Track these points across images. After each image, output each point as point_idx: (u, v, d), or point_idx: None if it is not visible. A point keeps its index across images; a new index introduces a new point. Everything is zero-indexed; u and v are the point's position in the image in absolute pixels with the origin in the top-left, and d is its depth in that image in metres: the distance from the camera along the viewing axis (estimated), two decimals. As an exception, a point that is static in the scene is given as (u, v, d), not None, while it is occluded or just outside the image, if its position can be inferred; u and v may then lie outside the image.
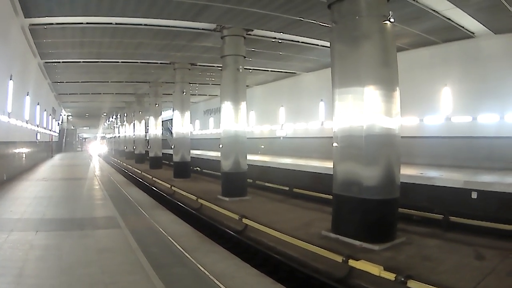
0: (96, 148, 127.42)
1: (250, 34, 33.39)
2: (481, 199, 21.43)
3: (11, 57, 30.19)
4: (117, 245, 12.82)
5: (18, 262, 10.73)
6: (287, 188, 33.12)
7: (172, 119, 53.98)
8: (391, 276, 12.73)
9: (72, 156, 72.36)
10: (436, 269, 14.91)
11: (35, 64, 42.33)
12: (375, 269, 13.39)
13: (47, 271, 10.20)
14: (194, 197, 29.36)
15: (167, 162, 62.65)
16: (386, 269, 13.20)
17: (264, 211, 25.40)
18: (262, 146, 53.75)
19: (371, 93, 18.49)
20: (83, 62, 43.41)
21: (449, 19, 26.76)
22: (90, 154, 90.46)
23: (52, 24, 29.58)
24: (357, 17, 19.00)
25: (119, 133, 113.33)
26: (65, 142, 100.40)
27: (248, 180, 33.89)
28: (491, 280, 13.53)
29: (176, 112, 48.83)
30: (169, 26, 30.91)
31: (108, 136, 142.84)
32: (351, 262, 14.34)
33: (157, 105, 63.15)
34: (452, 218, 20.72)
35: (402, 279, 12.43)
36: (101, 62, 43.54)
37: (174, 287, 9.70)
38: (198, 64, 46.31)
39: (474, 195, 21.75)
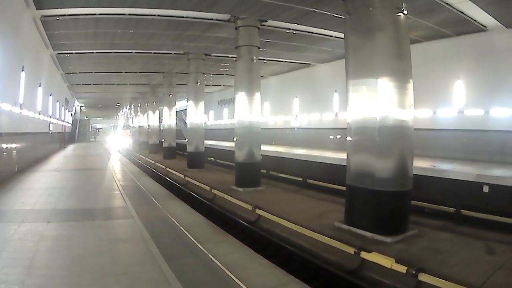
0: (112, 139, 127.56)
1: (264, 25, 33.35)
2: (492, 193, 21.33)
3: (23, 48, 30.25)
4: (129, 236, 12.83)
5: (28, 253, 10.74)
6: (300, 179, 33.19)
7: (186, 109, 53.93)
8: (402, 269, 12.70)
9: (85, 147, 72.48)
10: (447, 262, 14.86)
11: (47, 56, 42.53)
12: (386, 262, 13.36)
13: (57, 262, 10.20)
14: (207, 188, 29.51)
15: (181, 152, 63.00)
16: (398, 261, 13.19)
17: (277, 201, 25.42)
18: (273, 143, 53.55)
19: (385, 85, 18.46)
20: (97, 53, 43.47)
21: (462, 12, 26.60)
22: (105, 145, 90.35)
23: (64, 15, 29.62)
24: (370, 9, 18.94)
25: (132, 123, 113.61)
26: (78, 133, 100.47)
27: (262, 170, 33.99)
28: (501, 274, 13.50)
29: (190, 103, 49.11)
30: (182, 17, 30.87)
31: (122, 126, 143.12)
32: (363, 254, 14.32)
33: (171, 96, 63.36)
34: (464, 212, 20.65)
35: (414, 272, 12.41)
36: (115, 52, 43.58)
37: (185, 278, 9.72)
38: (212, 54, 46.39)
39: (485, 189, 21.66)
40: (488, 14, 26.61)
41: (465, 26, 29.23)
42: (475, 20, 28.17)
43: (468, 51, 31.55)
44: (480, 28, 29.42)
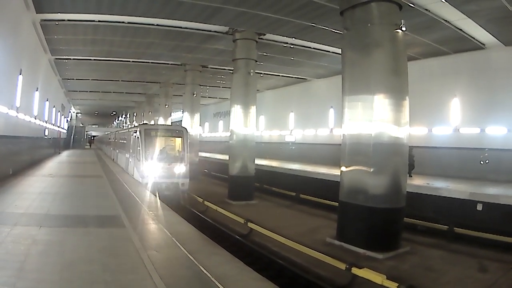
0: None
1: (262, 38, 33.56)
2: (486, 211, 21.39)
3: (21, 51, 30.16)
4: (120, 244, 12.80)
5: (20, 256, 10.69)
6: (294, 194, 33.44)
7: (181, 120, 54.73)
8: (393, 285, 12.71)
9: (80, 153, 72.17)
10: (439, 280, 14.91)
11: (45, 60, 42.57)
12: (377, 278, 13.36)
13: (48, 267, 10.15)
14: (200, 199, 30.50)
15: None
16: (389, 278, 13.19)
17: (270, 216, 25.44)
18: (267, 157, 53.58)
19: (381, 102, 18.55)
20: (94, 60, 43.72)
21: (460, 29, 26.78)
22: (99, 152, 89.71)
23: (64, 20, 29.76)
24: (369, 25, 19.06)
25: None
26: (73, 139, 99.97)
27: (256, 184, 34.65)
28: (493, 292, 13.49)
29: (186, 114, 50.03)
30: (180, 27, 31.05)
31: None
32: (354, 270, 14.32)
33: (167, 106, 63.24)
34: (457, 229, 20.69)
35: (404, 289, 12.41)
36: (112, 60, 43.81)
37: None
38: (209, 66, 46.68)
39: (479, 207, 21.71)
40: (487, 31, 26.81)
41: (463, 44, 29.41)
42: (474, 38, 28.36)
43: (465, 69, 31.77)
44: (478, 46, 29.59)
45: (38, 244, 11.95)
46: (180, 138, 33.39)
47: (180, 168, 31.22)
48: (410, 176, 29.71)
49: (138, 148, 32.06)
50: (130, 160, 36.44)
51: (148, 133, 32.05)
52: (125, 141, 42.21)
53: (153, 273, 10.01)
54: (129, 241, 13.01)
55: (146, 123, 48.58)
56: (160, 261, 11.17)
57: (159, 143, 32.49)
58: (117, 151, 51.16)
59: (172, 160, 31.46)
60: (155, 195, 24.49)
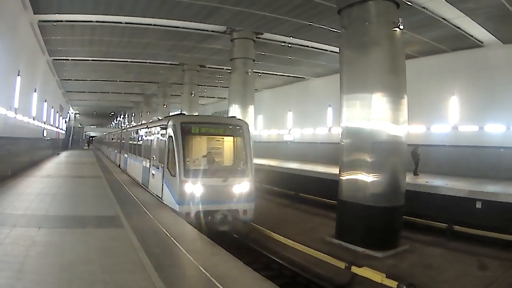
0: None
1: (259, 38, 33.60)
2: (485, 209, 21.37)
3: (19, 52, 30.11)
4: (119, 244, 12.76)
5: (19, 257, 10.66)
6: (293, 193, 33.08)
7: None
8: (393, 284, 12.66)
9: (78, 154, 71.95)
10: (438, 278, 14.89)
11: (43, 61, 42.56)
12: (377, 276, 13.30)
13: (47, 268, 10.12)
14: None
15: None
16: (389, 276, 13.12)
17: (269, 215, 25.30)
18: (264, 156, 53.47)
19: (379, 100, 18.56)
20: (92, 60, 43.75)
21: (458, 27, 26.80)
22: (97, 152, 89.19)
23: (61, 21, 29.79)
24: (366, 23, 19.05)
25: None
26: (71, 140, 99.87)
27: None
28: (492, 290, 13.48)
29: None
30: (178, 27, 31.07)
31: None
32: (354, 269, 14.24)
33: (165, 106, 63.21)
34: (456, 227, 20.64)
35: (404, 287, 12.37)
36: (110, 61, 43.83)
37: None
38: (207, 66, 46.69)
39: (478, 205, 21.70)
40: (485, 29, 26.81)
41: (461, 42, 29.46)
42: (472, 36, 28.39)
43: (463, 67, 31.80)
44: (476, 44, 29.62)
45: (37, 245, 11.92)
46: (240, 138, 21.35)
47: (242, 186, 19.70)
48: (416, 174, 29.73)
49: (170, 153, 20.19)
50: (153, 171, 23.98)
51: (188, 129, 20.21)
52: (141, 142, 29.57)
53: (153, 273, 9.99)
54: (127, 241, 12.97)
55: (183, 114, 31.38)
56: (159, 260, 11.11)
57: (206, 145, 21.79)
58: (126, 155, 37.90)
59: (228, 173, 20.06)
60: (199, 229, 16.28)
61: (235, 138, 21.74)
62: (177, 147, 19.55)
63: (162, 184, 21.30)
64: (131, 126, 61.04)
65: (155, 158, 23.95)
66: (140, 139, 30.79)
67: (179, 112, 33.76)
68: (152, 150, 25.05)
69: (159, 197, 21.86)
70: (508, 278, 15.26)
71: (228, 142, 22.11)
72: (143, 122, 54.95)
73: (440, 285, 14.08)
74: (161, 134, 22.56)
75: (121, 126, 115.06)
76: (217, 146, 22.21)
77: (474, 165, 30.24)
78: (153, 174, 24.39)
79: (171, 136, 20.14)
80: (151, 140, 25.60)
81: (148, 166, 25.96)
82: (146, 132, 28.03)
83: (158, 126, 23.77)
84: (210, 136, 21.89)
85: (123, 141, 41.38)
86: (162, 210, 18.87)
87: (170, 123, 20.63)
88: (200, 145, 21.61)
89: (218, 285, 9.51)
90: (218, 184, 19.38)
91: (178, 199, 19.00)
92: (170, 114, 24.99)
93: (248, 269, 10.96)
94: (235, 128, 21.58)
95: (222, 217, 18.77)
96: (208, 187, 19.10)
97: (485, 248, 18.73)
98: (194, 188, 18.90)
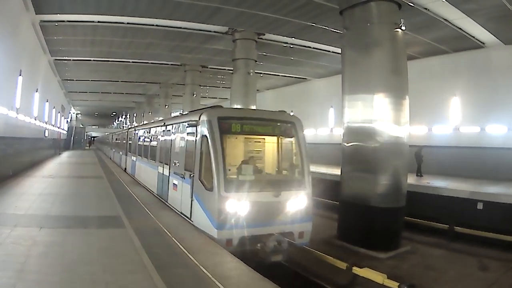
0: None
1: (261, 38, 33.57)
2: (487, 210, 21.34)
3: (21, 52, 30.11)
4: (120, 244, 12.75)
5: (20, 257, 10.65)
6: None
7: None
8: (394, 285, 12.67)
9: (80, 154, 71.85)
10: (439, 279, 14.90)
11: (45, 61, 42.67)
12: (378, 277, 13.32)
13: (49, 268, 10.12)
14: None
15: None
16: (390, 277, 13.15)
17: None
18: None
19: (381, 101, 18.58)
20: (94, 60, 43.75)
21: (460, 28, 26.79)
22: (99, 152, 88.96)
23: (63, 21, 29.78)
24: (368, 24, 19.09)
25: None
26: (73, 140, 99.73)
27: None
28: (494, 291, 13.48)
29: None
30: (180, 28, 31.04)
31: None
32: (355, 270, 14.26)
33: (167, 106, 63.11)
34: (457, 228, 20.64)
35: (406, 288, 12.38)
36: (112, 61, 43.82)
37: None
38: (209, 66, 46.71)
39: (480, 206, 21.67)
40: (487, 30, 26.80)
41: (463, 43, 29.44)
42: (473, 37, 28.38)
43: (465, 68, 31.78)
44: (478, 45, 29.61)
45: (39, 245, 11.91)
46: (293, 139, 16.97)
47: (298, 201, 15.41)
48: (421, 175, 29.71)
49: (203, 159, 15.65)
50: (175, 181, 18.91)
51: (227, 127, 15.67)
52: (156, 143, 24.85)
53: (154, 274, 9.98)
54: (129, 242, 12.96)
55: (219, 106, 18.36)
56: (160, 261, 11.11)
57: (249, 148, 17.70)
58: (134, 158, 33.17)
59: (280, 185, 15.72)
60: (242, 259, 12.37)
61: (286, 139, 17.44)
62: (215, 150, 14.81)
63: (191, 200, 16.26)
64: (141, 124, 53.39)
65: (177, 163, 18.96)
66: (154, 139, 25.77)
67: (213, 105, 21.68)
68: (172, 154, 20.09)
69: (185, 216, 16.84)
70: (509, 279, 15.28)
71: (276, 143, 17.87)
72: (158, 119, 46.88)
73: (442, 286, 14.10)
74: (188, 133, 17.65)
75: (123, 127, 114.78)
76: (261, 149, 17.87)
77: (476, 166, 30.19)
78: (174, 184, 19.10)
79: (205, 136, 15.41)
80: (172, 140, 20.57)
81: (166, 173, 20.88)
82: (163, 131, 22.84)
83: (183, 122, 18.94)
84: (255, 136, 17.51)
85: (130, 142, 36.63)
86: (163, 210, 18.77)
87: (204, 118, 15.88)
88: (242, 148, 17.57)
89: (219, 285, 9.51)
90: (269, 200, 14.88)
91: (217, 221, 14.25)
92: (204, 107, 15.67)
93: (249, 269, 10.94)
94: (287, 125, 17.10)
95: (276, 244, 14.24)
96: (256, 204, 14.60)
97: (486, 249, 18.76)
98: (239, 206, 14.31)
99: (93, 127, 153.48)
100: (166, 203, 19.98)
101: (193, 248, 12.31)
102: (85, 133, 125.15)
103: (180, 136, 18.83)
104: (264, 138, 17.60)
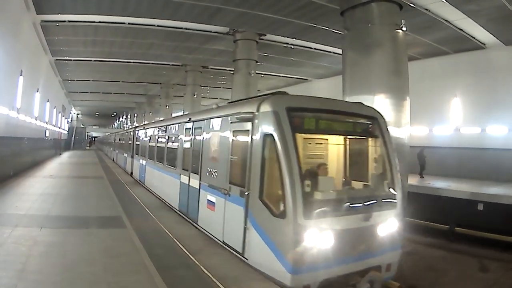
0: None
1: (262, 39, 33.55)
2: (487, 211, 21.34)
3: (22, 52, 30.08)
4: (121, 245, 12.74)
5: (21, 257, 10.66)
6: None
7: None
8: (394, 285, 12.67)
9: (80, 154, 71.77)
10: (440, 279, 14.90)
11: (46, 61, 42.67)
12: (379, 278, 13.23)
13: (50, 268, 10.12)
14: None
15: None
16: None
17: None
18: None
19: (381, 102, 18.54)
20: (95, 61, 43.69)
21: (460, 29, 26.80)
22: (99, 152, 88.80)
23: (64, 21, 29.77)
24: (369, 25, 19.08)
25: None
26: (74, 140, 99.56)
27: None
28: (494, 292, 13.49)
29: (187, 115, 46.78)
30: (181, 28, 31.02)
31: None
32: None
33: (167, 107, 63.02)
34: (458, 229, 20.65)
35: (405, 288, 12.35)
36: (113, 61, 43.80)
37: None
38: (210, 67, 46.71)
39: (480, 207, 21.66)
40: (488, 31, 26.80)
41: (464, 43, 29.41)
42: (474, 38, 28.39)
43: (466, 69, 31.75)
44: (479, 46, 29.60)
45: (39, 245, 11.92)
46: (378, 140, 12.77)
47: (389, 225, 11.68)
48: (422, 177, 29.69)
49: (266, 169, 10.85)
50: (211, 197, 14.03)
51: (300, 122, 11.02)
52: (176, 145, 19.93)
53: (155, 274, 9.98)
54: (130, 242, 12.95)
55: (283, 92, 12.94)
56: (161, 261, 11.11)
57: (326, 152, 13.95)
58: (143, 162, 28.32)
59: (369, 205, 11.39)
60: None
61: (370, 139, 13.12)
62: (287, 157, 10.21)
63: (245, 229, 11.31)
64: (154, 121, 43.40)
65: (213, 173, 14.11)
66: (174, 139, 20.54)
67: (274, 91, 15.24)
68: (204, 159, 15.11)
69: (233, 249, 12.02)
70: (509, 279, 15.27)
71: (359, 146, 13.60)
72: (176, 115, 42.71)
73: (442, 287, 14.09)
74: (235, 131, 12.74)
75: (123, 127, 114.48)
76: (340, 154, 13.95)
77: (476, 167, 30.17)
78: (210, 202, 14.12)
79: (270, 136, 10.70)
80: (204, 141, 15.48)
81: (194, 185, 15.97)
82: (188, 129, 17.86)
83: (225, 116, 13.68)
84: (334, 136, 13.52)
85: (138, 143, 31.84)
86: (163, 210, 18.71)
87: (266, 108, 11.10)
88: (318, 152, 13.65)
89: (220, 285, 9.50)
90: (358, 226, 10.84)
91: (292, 263, 9.80)
92: (274, 91, 14.25)
93: (249, 269, 10.92)
94: (369, 121, 12.82)
95: (368, 286, 10.65)
96: (343, 233, 10.44)
97: (487, 250, 18.76)
98: (322, 237, 10.06)
99: (93, 127, 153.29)
100: (195, 224, 15.40)
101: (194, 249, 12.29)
102: (86, 133, 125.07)
103: (220, 135, 13.85)
104: (345, 139, 13.65)
